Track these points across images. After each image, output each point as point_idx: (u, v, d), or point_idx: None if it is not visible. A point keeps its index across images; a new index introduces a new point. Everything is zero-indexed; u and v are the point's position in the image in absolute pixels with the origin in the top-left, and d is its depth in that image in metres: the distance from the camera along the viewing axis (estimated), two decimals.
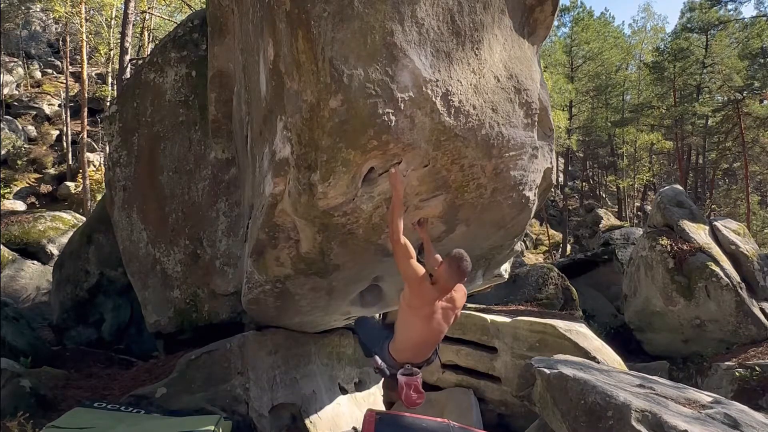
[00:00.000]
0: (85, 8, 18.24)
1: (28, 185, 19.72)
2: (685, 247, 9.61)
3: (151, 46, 20.80)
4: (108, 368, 6.08)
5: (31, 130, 21.93)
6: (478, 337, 7.68)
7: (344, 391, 6.02)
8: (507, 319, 7.54)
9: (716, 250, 9.57)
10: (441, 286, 2.82)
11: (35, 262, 10.12)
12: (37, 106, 23.16)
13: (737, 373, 7.89)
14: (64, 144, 20.64)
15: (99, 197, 14.41)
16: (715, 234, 10.12)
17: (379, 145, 2.84)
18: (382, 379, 6.98)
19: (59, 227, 10.81)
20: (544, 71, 17.09)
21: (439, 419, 4.16)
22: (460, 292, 3.01)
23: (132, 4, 12.60)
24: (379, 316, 6.54)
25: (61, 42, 25.05)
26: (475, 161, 3.23)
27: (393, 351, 3.01)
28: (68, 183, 19.55)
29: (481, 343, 7.65)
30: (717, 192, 26.59)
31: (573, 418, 3.76)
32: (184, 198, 5.43)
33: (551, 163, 4.15)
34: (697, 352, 9.24)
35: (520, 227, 4.42)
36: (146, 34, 21.66)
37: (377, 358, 3.24)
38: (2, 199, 17.26)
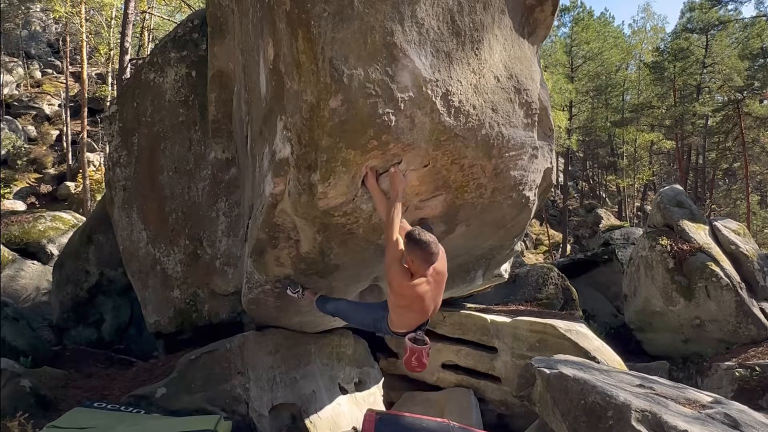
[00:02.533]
0: (85, 8, 18.22)
1: (28, 185, 19.71)
2: (685, 247, 9.60)
3: (151, 46, 20.78)
4: (108, 368, 6.08)
5: (31, 130, 21.91)
6: (478, 337, 7.65)
7: (344, 391, 6.01)
8: (507, 319, 7.52)
9: (716, 250, 9.55)
10: (420, 275, 2.73)
11: (35, 262, 10.11)
12: (37, 106, 23.14)
13: (737, 373, 7.88)
14: (64, 144, 20.62)
15: (99, 197, 14.39)
16: (715, 234, 10.10)
17: (379, 145, 2.84)
18: (382, 378, 6.98)
19: (59, 227, 10.80)
20: (544, 71, 17.08)
21: (439, 419, 4.16)
22: (440, 257, 2.84)
23: (132, 4, 12.57)
24: None
25: (61, 42, 25.01)
26: (475, 161, 3.23)
27: (391, 326, 3.06)
28: (68, 183, 19.54)
29: (481, 343, 7.62)
30: (717, 192, 26.56)
31: (573, 418, 3.76)
32: (184, 198, 5.43)
33: (551, 163, 4.16)
34: (697, 352, 9.22)
35: (520, 227, 4.43)
36: (146, 34, 21.65)
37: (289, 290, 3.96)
38: (2, 199, 17.25)
